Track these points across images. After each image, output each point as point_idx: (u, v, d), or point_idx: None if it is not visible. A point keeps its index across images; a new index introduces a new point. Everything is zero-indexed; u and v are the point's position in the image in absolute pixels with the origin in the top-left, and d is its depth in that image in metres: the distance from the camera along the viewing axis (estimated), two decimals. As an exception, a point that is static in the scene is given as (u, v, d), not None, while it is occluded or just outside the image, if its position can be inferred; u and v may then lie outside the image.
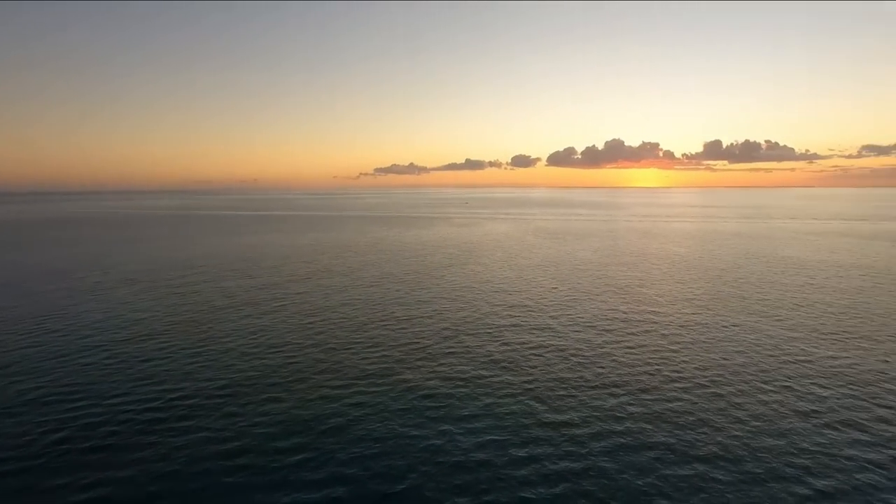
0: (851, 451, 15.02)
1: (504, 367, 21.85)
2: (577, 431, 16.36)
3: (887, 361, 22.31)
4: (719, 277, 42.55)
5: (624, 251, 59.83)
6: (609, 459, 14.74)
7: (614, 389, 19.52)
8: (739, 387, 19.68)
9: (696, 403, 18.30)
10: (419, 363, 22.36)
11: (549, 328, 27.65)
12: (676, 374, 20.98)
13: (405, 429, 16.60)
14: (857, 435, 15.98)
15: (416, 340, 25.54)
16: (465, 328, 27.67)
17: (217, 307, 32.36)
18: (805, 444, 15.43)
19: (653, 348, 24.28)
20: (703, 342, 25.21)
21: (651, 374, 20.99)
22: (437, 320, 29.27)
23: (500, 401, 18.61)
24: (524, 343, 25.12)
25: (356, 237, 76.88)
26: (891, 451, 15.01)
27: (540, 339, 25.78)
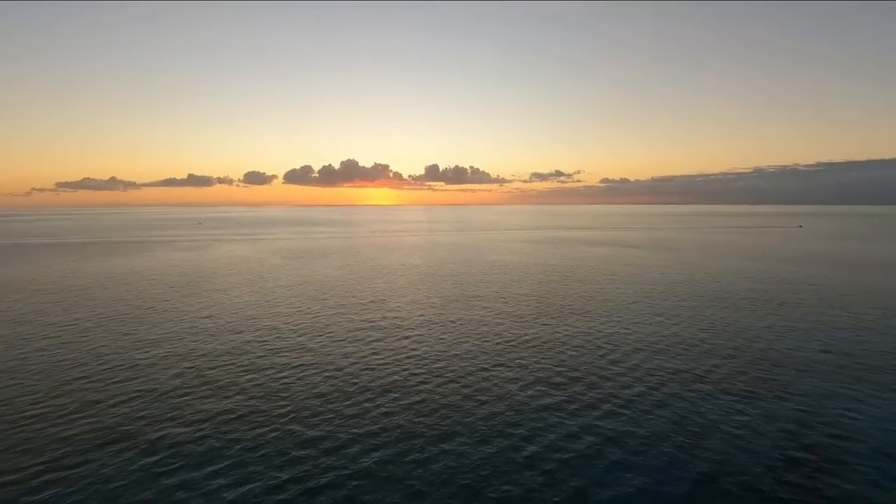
0: (547, 402, 19.64)
1: (259, 397, 20.22)
2: (341, 443, 16.46)
3: (566, 334, 30.04)
4: (446, 281, 49.38)
5: (367, 265, 63.18)
6: (373, 463, 15.34)
7: (372, 396, 20.41)
8: (473, 373, 23.27)
9: (444, 395, 20.79)
10: (151, 415, 18.61)
11: (304, 347, 26.94)
12: (425, 371, 23.37)
13: (135, 499, 13.56)
14: (551, 392, 20.98)
15: (144, 390, 21.15)
16: (208, 364, 24.38)
17: None
18: (520, 406, 19.39)
19: (402, 352, 26.41)
20: (443, 339, 28.83)
21: (402, 376, 22.79)
22: (172, 362, 24.92)
23: (256, 433, 17.16)
24: (278, 368, 23.78)
25: (33, 272, 58.27)
26: (570, 402, 20.26)
27: (295, 360, 24.85)
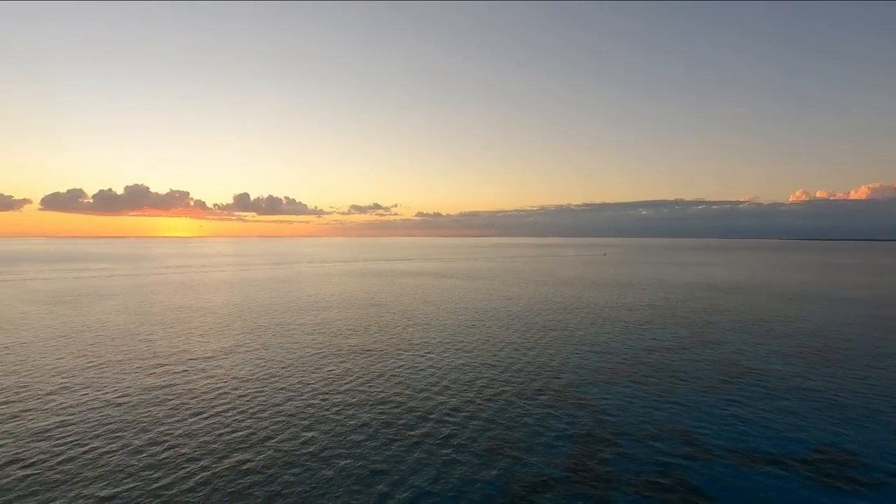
0: (378, 433, 19.60)
1: (26, 478, 15.53)
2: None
3: (381, 363, 30.45)
4: (257, 320, 45.67)
5: (159, 307, 54.47)
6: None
7: (174, 456, 17.55)
8: (307, 424, 21.88)
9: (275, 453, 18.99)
10: None
11: (74, 415, 21.73)
12: (236, 426, 21.07)
13: None
14: (388, 421, 20.96)
15: None
16: None
17: None
18: (347, 442, 18.92)
19: (206, 412, 23.39)
20: (261, 389, 26.44)
21: (209, 444, 20.16)
22: None
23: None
24: (29, 457, 18.68)
25: None
26: (406, 428, 20.54)
27: (59, 436, 19.86)
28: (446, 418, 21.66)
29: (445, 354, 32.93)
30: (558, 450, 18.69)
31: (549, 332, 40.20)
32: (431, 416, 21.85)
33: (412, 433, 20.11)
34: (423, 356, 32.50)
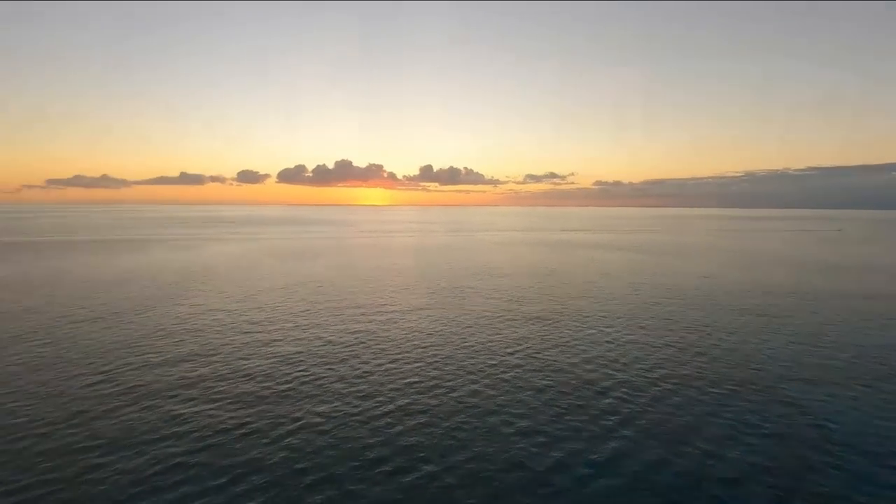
0: (551, 404, 19.88)
1: (257, 404, 20.29)
2: (364, 450, 16.58)
3: (556, 332, 30.29)
4: (438, 282, 49.51)
5: (360, 266, 63.15)
6: (401, 470, 15.47)
7: (381, 398, 20.56)
8: (479, 377, 23.48)
9: (457, 392, 20.96)
10: (143, 419, 18.61)
11: (306, 350, 27.02)
12: (434, 372, 23.56)
13: None
14: (557, 392, 21.19)
15: (134, 394, 21.12)
16: (202, 367, 24.39)
17: None
18: (526, 408, 19.60)
19: (407, 357, 26.56)
20: (446, 340, 28.99)
21: (409, 381, 22.95)
22: (165, 363, 24.87)
23: (255, 443, 17.24)
24: (279, 375, 23.84)
25: (22, 270, 57.50)
26: (576, 403, 20.46)
27: (297, 363, 24.93)
28: (626, 397, 20.72)
29: (625, 331, 31.22)
30: (759, 451, 16.37)
31: (756, 318, 34.75)
32: (611, 393, 21.14)
33: (588, 406, 19.81)
34: (600, 330, 31.40)
